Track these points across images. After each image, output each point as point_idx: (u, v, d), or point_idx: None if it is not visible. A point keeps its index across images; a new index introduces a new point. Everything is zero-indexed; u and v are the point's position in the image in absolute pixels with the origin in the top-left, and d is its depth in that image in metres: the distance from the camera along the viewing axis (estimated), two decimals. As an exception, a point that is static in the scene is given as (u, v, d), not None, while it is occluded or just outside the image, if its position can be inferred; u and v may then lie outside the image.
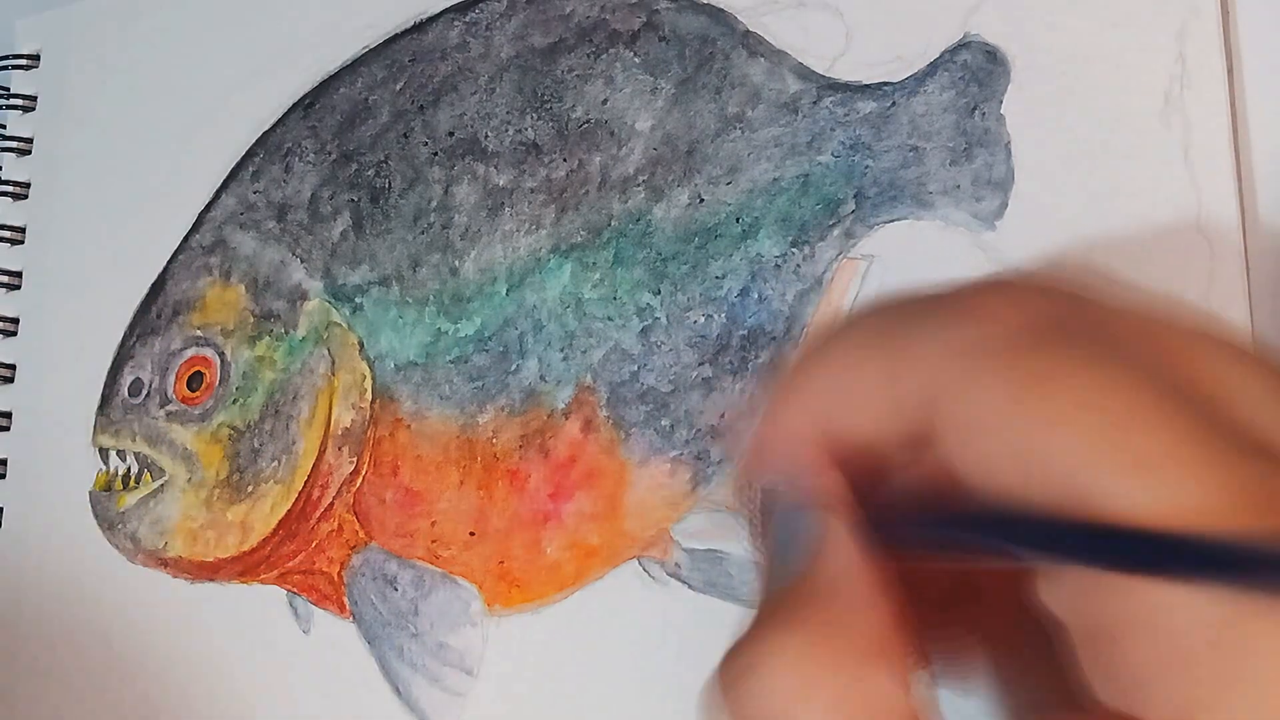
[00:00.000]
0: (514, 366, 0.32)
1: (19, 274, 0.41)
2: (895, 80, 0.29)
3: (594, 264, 0.32)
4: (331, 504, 0.34)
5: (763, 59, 0.31)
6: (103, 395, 0.38)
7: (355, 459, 0.33)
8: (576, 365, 0.31)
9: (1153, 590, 0.15)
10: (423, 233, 0.34)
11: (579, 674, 0.30)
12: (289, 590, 0.34)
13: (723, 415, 0.30)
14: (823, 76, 0.30)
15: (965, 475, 0.17)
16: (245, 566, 0.35)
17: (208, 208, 0.38)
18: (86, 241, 0.40)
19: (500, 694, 0.31)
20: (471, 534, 0.32)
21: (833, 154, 0.30)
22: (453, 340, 0.33)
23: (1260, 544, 0.14)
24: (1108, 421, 0.15)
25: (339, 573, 0.33)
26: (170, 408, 0.36)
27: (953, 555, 0.18)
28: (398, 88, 0.35)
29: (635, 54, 0.32)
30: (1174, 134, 0.26)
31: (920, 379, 0.17)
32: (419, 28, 0.35)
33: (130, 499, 0.37)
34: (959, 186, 0.28)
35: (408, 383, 0.33)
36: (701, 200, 0.31)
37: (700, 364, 0.30)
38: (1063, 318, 0.17)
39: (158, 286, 0.38)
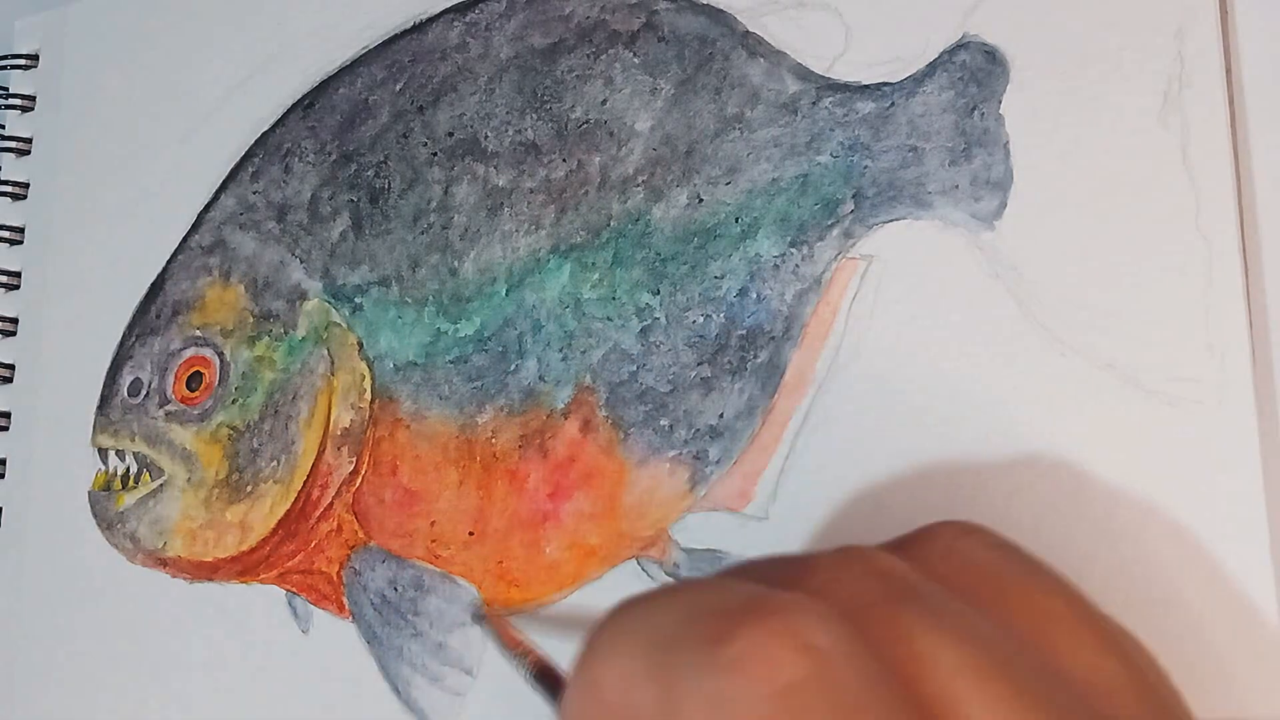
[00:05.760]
0: (513, 366, 0.32)
1: (18, 274, 0.41)
2: (894, 80, 0.29)
3: (593, 264, 0.32)
4: (331, 504, 0.34)
5: (762, 59, 0.31)
6: (102, 395, 0.38)
7: (354, 459, 0.33)
8: (576, 365, 0.31)
9: None
10: (422, 233, 0.34)
11: (578, 674, 0.30)
12: (288, 590, 0.34)
13: (721, 415, 0.30)
14: (822, 77, 0.30)
15: None
16: (244, 566, 0.35)
17: (207, 208, 0.38)
18: (86, 241, 0.40)
19: (500, 694, 0.31)
20: (470, 534, 0.32)
21: (831, 154, 0.30)
22: (452, 340, 0.33)
23: None
24: None
25: (338, 572, 0.33)
26: (169, 408, 0.36)
27: None
28: (397, 88, 0.35)
29: (635, 54, 0.32)
30: (1173, 134, 0.26)
31: None
32: (419, 28, 0.35)
33: (129, 499, 0.37)
34: (958, 186, 0.28)
35: (407, 383, 0.33)
36: (700, 200, 0.31)
37: (699, 364, 0.30)
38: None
39: (157, 286, 0.38)
